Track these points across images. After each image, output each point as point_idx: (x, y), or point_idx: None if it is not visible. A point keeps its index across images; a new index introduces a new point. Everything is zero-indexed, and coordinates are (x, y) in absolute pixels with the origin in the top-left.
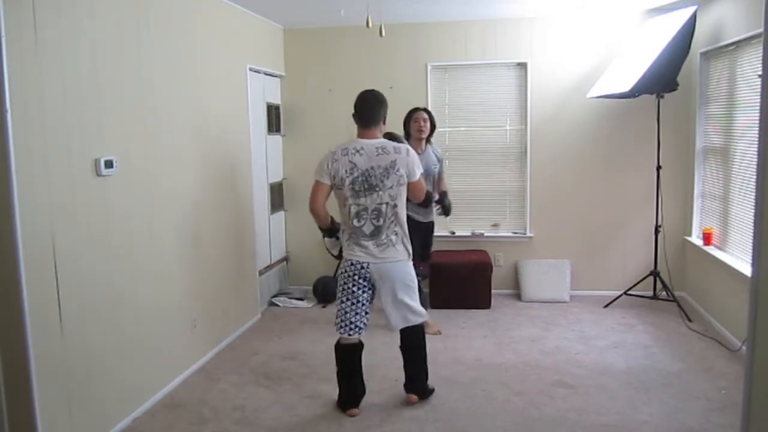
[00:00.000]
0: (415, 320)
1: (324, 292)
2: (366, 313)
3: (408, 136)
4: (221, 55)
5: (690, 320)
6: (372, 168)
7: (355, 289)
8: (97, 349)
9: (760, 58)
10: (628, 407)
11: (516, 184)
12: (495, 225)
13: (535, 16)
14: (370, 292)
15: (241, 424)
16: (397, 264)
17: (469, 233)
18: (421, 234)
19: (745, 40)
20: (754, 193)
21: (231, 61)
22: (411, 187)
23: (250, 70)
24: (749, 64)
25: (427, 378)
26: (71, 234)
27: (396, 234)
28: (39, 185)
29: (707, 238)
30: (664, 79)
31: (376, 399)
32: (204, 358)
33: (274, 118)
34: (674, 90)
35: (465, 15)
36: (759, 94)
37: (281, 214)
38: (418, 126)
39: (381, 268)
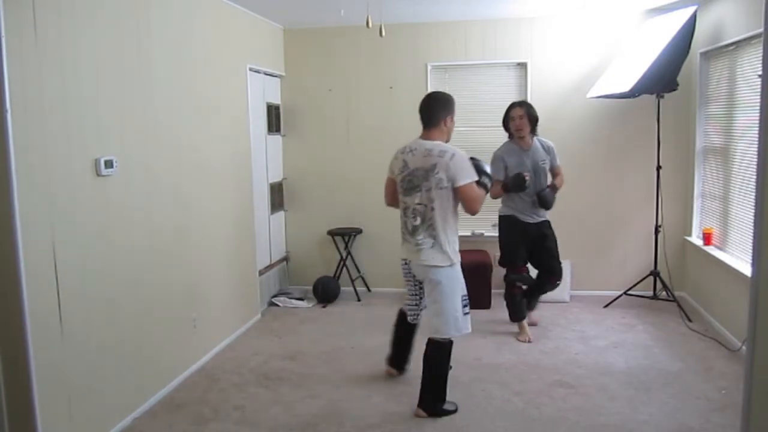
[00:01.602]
0: (434, 334)
1: (324, 292)
2: (416, 304)
3: (510, 135)
4: (221, 55)
5: (690, 320)
6: (417, 169)
7: (407, 280)
8: (97, 349)
9: (760, 58)
10: (628, 407)
11: None
12: (495, 225)
13: (535, 16)
14: (417, 286)
15: (241, 424)
16: (429, 269)
17: (469, 233)
18: (529, 238)
19: (745, 40)
20: (754, 193)
21: (231, 61)
22: (459, 194)
23: (250, 70)
24: (749, 64)
25: (438, 398)
26: (71, 234)
27: (433, 237)
28: (39, 186)
29: (707, 238)
30: (664, 79)
31: (376, 399)
32: (204, 358)
33: (274, 118)
34: (674, 90)
35: (465, 15)
36: (759, 94)
37: (281, 214)
38: (515, 125)
39: (418, 268)
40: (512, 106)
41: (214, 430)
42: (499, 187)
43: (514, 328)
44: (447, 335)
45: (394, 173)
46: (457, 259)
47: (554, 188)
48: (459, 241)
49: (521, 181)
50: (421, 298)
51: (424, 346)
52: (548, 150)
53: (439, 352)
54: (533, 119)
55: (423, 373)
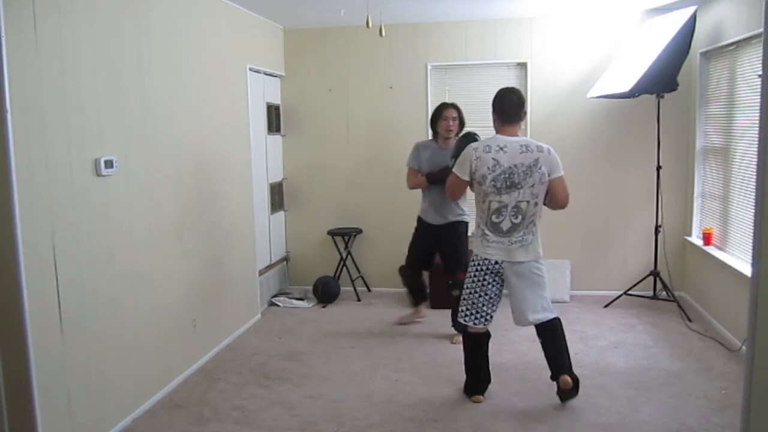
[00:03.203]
0: (543, 317)
1: (324, 292)
2: (494, 305)
3: (435, 134)
4: (221, 55)
5: (690, 320)
6: (515, 165)
7: (487, 283)
8: (97, 349)
9: (760, 58)
10: (628, 407)
11: None
12: None
13: (535, 16)
14: (500, 286)
15: (241, 424)
16: (528, 264)
17: (469, 233)
18: (432, 239)
19: (745, 40)
20: (754, 193)
21: (231, 61)
22: (552, 186)
23: (250, 70)
24: (749, 64)
25: (570, 362)
26: (71, 234)
27: (532, 233)
28: (39, 185)
29: (707, 238)
30: (664, 79)
31: (376, 399)
32: (204, 358)
33: (274, 118)
34: (674, 90)
35: (465, 15)
36: (759, 94)
37: (281, 214)
38: (447, 125)
39: (513, 265)
40: (445, 106)
41: (214, 430)
42: (420, 177)
43: (514, 328)
44: (551, 311)
45: (477, 173)
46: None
47: None
48: None
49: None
50: (500, 297)
51: (538, 335)
52: (460, 146)
53: (556, 326)
54: (462, 123)
55: (551, 354)
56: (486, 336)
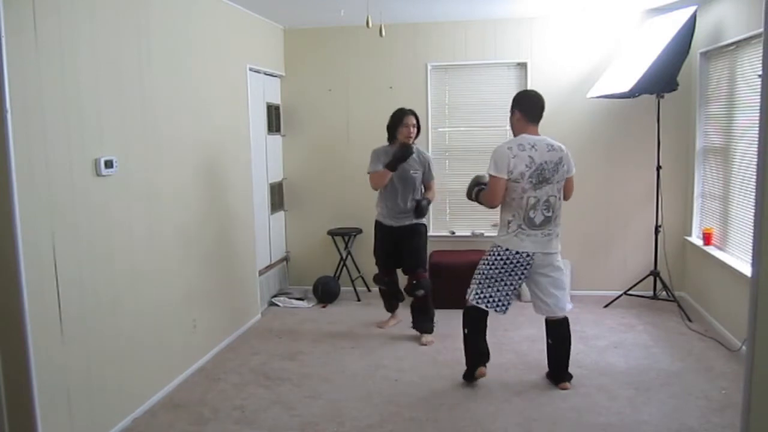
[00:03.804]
0: (560, 312)
1: (324, 292)
2: (513, 296)
3: (393, 139)
4: (221, 55)
5: (690, 320)
6: (546, 162)
7: (514, 274)
8: (97, 349)
9: (760, 58)
10: (628, 407)
11: None
12: (495, 225)
13: (535, 16)
14: (523, 279)
15: (241, 424)
16: (555, 255)
17: (469, 233)
18: (392, 241)
19: (745, 40)
20: (754, 193)
21: (231, 61)
22: (568, 182)
23: (250, 70)
24: (749, 64)
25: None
26: (71, 234)
27: (558, 226)
28: (39, 185)
29: (707, 238)
30: (664, 79)
31: (376, 399)
32: (204, 358)
33: (274, 118)
34: (674, 90)
35: (465, 15)
36: (759, 94)
37: (281, 214)
38: (407, 132)
39: (543, 257)
40: (405, 113)
41: (214, 430)
42: (381, 171)
43: (514, 328)
44: (567, 308)
45: (514, 172)
46: None
47: (428, 201)
48: (459, 240)
49: (407, 151)
50: (518, 292)
51: (546, 330)
52: (423, 162)
53: (566, 325)
54: (419, 129)
55: (554, 352)
56: (487, 312)
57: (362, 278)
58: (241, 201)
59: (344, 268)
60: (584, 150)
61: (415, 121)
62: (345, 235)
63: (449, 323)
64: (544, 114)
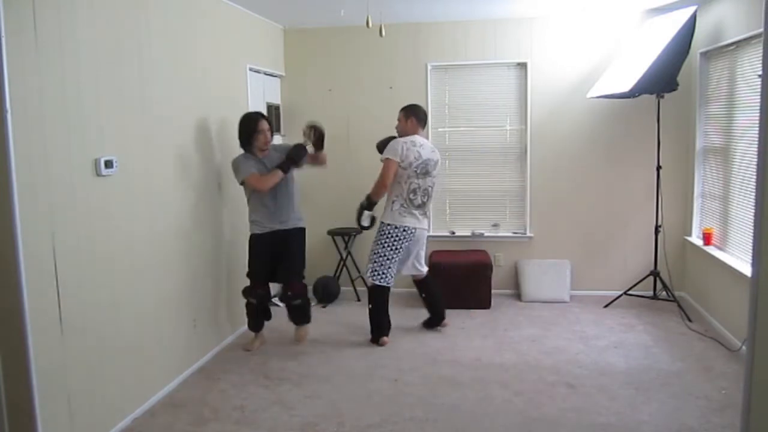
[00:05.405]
0: (424, 271)
1: (324, 292)
2: (399, 266)
3: (248, 148)
4: (221, 55)
5: (690, 320)
6: (429, 159)
7: (402, 248)
8: (97, 349)
9: (760, 58)
10: (628, 407)
11: (516, 184)
12: (495, 225)
13: (535, 16)
14: (405, 250)
15: (241, 424)
16: (425, 231)
17: (469, 233)
18: (268, 250)
19: (745, 40)
20: (754, 193)
21: (231, 61)
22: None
23: (250, 70)
24: (749, 64)
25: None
26: (71, 234)
27: (429, 209)
28: (39, 185)
29: (707, 238)
30: (664, 79)
31: (376, 399)
32: (204, 358)
33: (274, 118)
34: (674, 90)
35: (465, 15)
36: (759, 94)
37: None
38: (265, 138)
39: (420, 233)
40: (257, 118)
41: (214, 430)
42: (272, 172)
43: (514, 328)
44: (425, 268)
45: (405, 160)
46: None
47: (305, 150)
48: (459, 240)
49: (302, 151)
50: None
51: (418, 288)
52: (281, 149)
53: (430, 278)
54: (272, 130)
55: (434, 295)
56: (388, 288)
57: (362, 278)
58: (241, 201)
59: (344, 268)
60: (584, 150)
61: (268, 126)
62: (345, 235)
63: (450, 323)
64: (544, 114)
